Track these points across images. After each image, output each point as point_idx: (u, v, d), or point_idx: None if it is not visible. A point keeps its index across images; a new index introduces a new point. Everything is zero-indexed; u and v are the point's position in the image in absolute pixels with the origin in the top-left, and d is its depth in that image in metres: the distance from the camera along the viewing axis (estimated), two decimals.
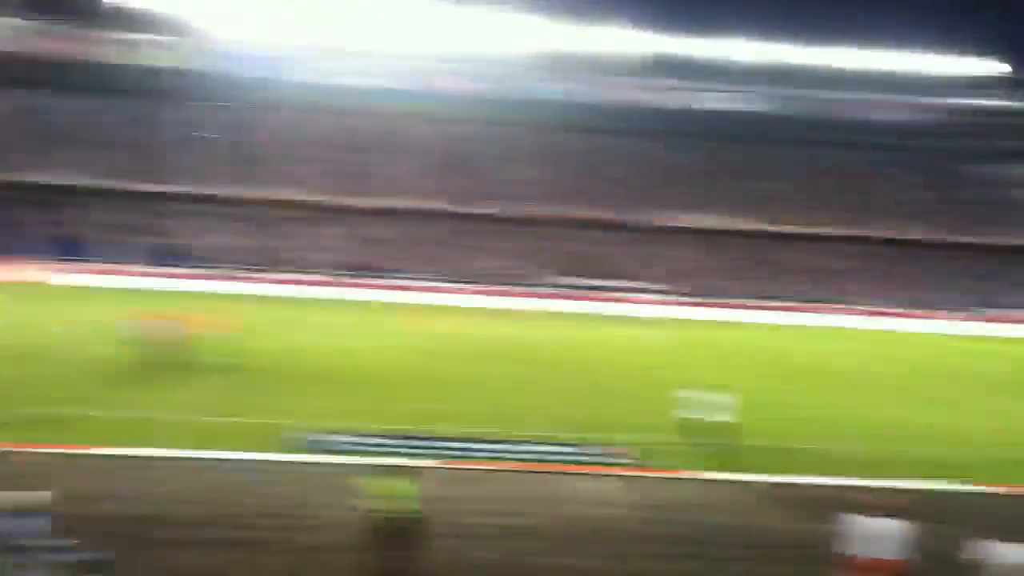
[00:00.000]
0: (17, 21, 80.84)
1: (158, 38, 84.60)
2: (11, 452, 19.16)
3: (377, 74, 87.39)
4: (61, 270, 66.81)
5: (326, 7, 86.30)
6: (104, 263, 69.69)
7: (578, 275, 75.24)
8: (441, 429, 23.15)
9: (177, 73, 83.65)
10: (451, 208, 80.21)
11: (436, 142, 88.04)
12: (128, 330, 31.17)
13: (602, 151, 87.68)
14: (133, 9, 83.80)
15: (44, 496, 12.37)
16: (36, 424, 21.63)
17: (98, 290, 60.26)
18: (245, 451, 20.14)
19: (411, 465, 18.51)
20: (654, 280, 74.88)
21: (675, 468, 21.18)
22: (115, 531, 14.73)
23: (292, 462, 19.86)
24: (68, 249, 70.43)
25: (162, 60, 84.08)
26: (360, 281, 71.63)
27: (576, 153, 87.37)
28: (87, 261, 69.64)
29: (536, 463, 20.89)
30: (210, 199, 78.02)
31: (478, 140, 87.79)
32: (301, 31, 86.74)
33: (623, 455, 21.77)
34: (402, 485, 13.73)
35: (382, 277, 73.19)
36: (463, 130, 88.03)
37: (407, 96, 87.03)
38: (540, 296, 71.18)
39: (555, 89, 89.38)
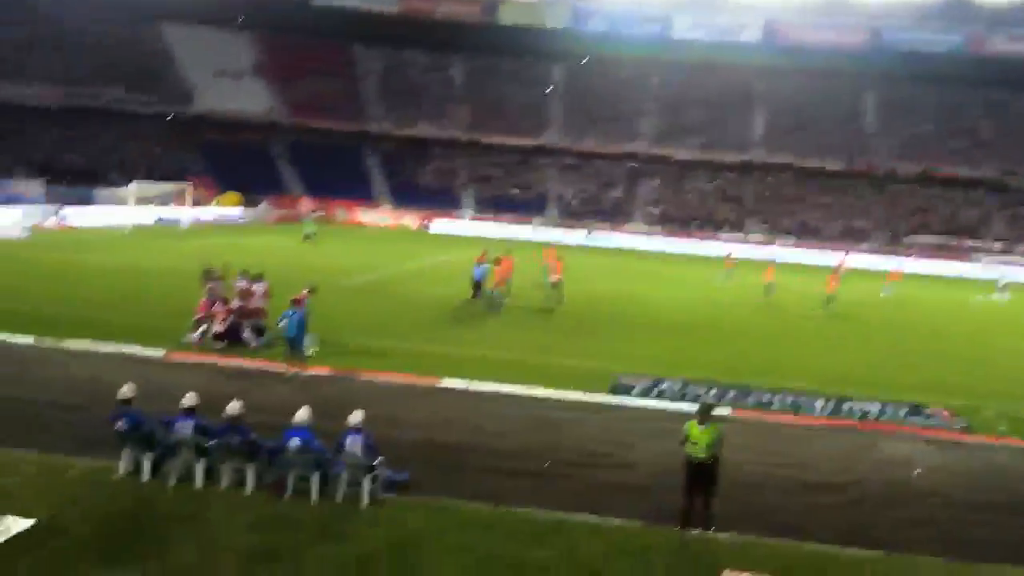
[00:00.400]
0: None
1: None
2: (345, 378, 20.88)
3: (728, 28, 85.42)
4: (429, 217, 72.03)
5: None
6: (459, 210, 74.49)
7: (932, 233, 70.68)
8: (759, 381, 22.74)
9: (527, 30, 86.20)
10: (796, 163, 77.85)
11: (783, 96, 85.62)
12: (478, 273, 33.08)
13: (962, 105, 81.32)
14: None
15: (357, 415, 13.34)
16: (378, 354, 23.44)
17: (459, 237, 63.94)
18: (569, 390, 20.69)
19: (725, 415, 18.42)
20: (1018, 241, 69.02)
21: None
22: (429, 455, 15.62)
23: (610, 404, 20.20)
24: (435, 198, 75.93)
25: (516, 18, 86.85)
26: (694, 233, 71.39)
27: (931, 107, 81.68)
28: (450, 208, 74.77)
29: (856, 421, 20.01)
30: (566, 152, 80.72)
31: (827, 93, 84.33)
32: None
33: (950, 420, 20.35)
34: (710, 431, 13.60)
35: (726, 230, 72.60)
36: (811, 84, 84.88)
37: (757, 50, 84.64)
38: (882, 254, 67.32)
39: (913, 39, 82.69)
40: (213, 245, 47.33)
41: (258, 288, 23.88)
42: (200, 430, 13.07)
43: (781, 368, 25.19)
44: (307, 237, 51.23)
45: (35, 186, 56.56)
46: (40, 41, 73.86)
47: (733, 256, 50.32)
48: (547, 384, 20.87)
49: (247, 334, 22.79)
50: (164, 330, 23.39)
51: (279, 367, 20.46)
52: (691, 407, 16.62)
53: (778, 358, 26.98)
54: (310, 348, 21.38)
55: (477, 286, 32.45)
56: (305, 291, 21.67)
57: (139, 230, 52.49)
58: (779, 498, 15.01)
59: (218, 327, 22.54)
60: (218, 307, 22.61)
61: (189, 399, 13.35)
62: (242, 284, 24.08)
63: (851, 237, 71.25)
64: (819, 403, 21.01)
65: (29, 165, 62.84)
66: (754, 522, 13.55)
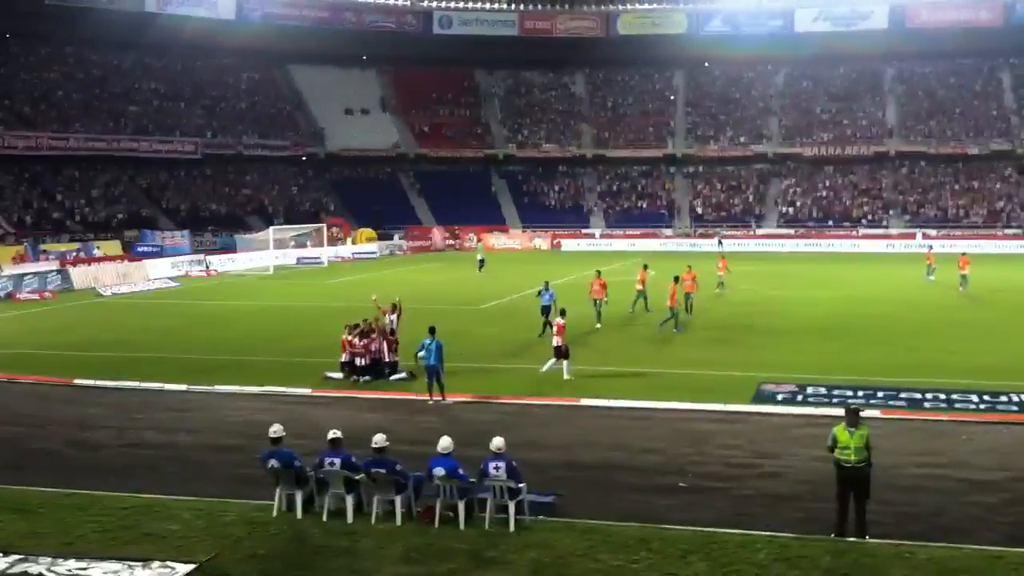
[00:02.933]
0: (503, 6, 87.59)
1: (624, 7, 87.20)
2: (485, 403, 21.04)
3: (853, 16, 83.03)
4: (559, 237, 72.33)
5: None
6: (588, 228, 74.64)
7: None
8: (909, 379, 21.98)
9: (646, 39, 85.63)
10: (933, 150, 75.31)
11: (915, 81, 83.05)
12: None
13: None
14: None
15: (499, 441, 13.39)
16: (518, 377, 23.59)
17: (590, 254, 63.98)
18: (711, 402, 20.41)
19: (873, 416, 17.85)
20: None
21: None
22: (574, 476, 15.58)
23: (755, 412, 19.82)
24: (564, 217, 76.26)
25: (634, 28, 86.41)
26: (830, 232, 69.80)
27: None
28: (580, 226, 74.99)
29: (1013, 414, 19.12)
30: (693, 159, 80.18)
31: (961, 75, 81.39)
32: None
33: None
34: (859, 435, 13.22)
35: (852, 226, 70.82)
36: (944, 66, 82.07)
37: (884, 36, 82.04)
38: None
39: None
40: (351, 282, 48.52)
41: (393, 318, 24.28)
42: (347, 464, 13.36)
43: (931, 364, 24.29)
44: (481, 264, 51.71)
45: (180, 237, 58.99)
46: (177, 95, 77.14)
47: (934, 251, 47.73)
48: (689, 397, 20.63)
49: (388, 368, 23.23)
50: (310, 367, 24.06)
51: (420, 396, 20.79)
52: (838, 411, 16.17)
53: (927, 353, 26.02)
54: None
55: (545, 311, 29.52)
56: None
57: (281, 272, 54.13)
58: (937, 499, 14.45)
59: (361, 362, 23.03)
60: (357, 343, 23.09)
61: (335, 435, 13.67)
62: (383, 317, 24.44)
63: (997, 221, 68.35)
64: (973, 397, 20.16)
65: (174, 216, 65.60)
66: (912, 526, 13.08)
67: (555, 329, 23.33)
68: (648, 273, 34.50)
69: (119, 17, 74.32)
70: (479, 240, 64.35)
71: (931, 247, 50.02)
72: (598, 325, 30.50)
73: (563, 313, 23.87)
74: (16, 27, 70.97)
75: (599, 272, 32.51)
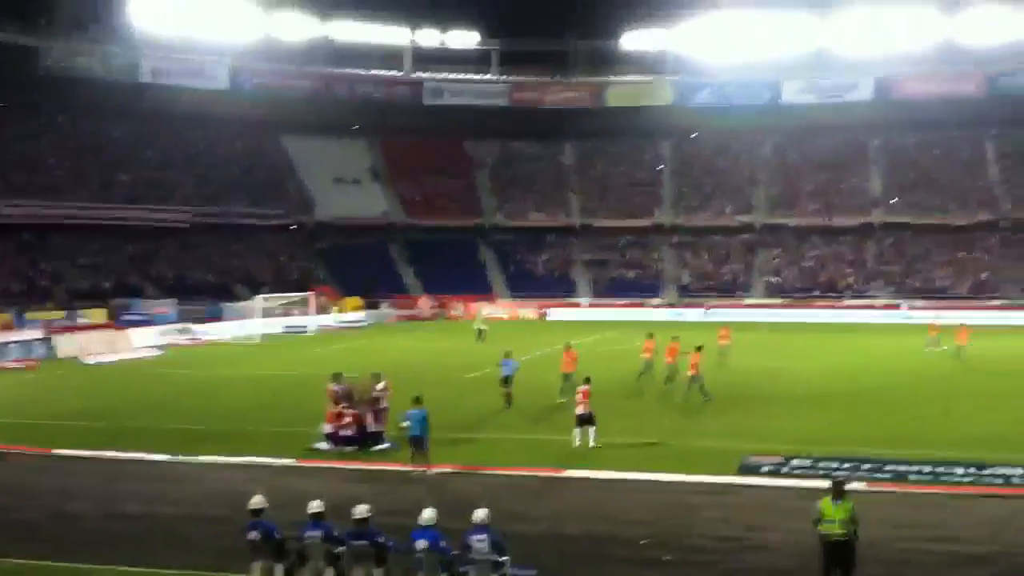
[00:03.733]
0: (493, 77, 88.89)
1: (617, 78, 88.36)
2: (470, 473, 20.96)
3: (839, 88, 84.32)
4: (546, 306, 72.45)
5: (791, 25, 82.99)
6: (575, 297, 74.93)
7: None
8: (894, 451, 21.99)
9: (634, 109, 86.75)
10: (918, 220, 76.03)
11: (900, 152, 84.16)
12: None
13: None
14: (600, 51, 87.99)
15: (482, 513, 13.25)
16: (502, 446, 23.53)
17: (577, 323, 64.11)
18: (696, 473, 20.36)
19: (858, 488, 17.78)
20: None
21: None
22: (558, 548, 15.48)
23: (741, 484, 19.77)
24: (552, 286, 76.51)
25: (623, 100, 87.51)
26: (815, 302, 70.12)
27: None
28: (567, 295, 75.23)
29: (998, 487, 19.08)
30: (680, 229, 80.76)
31: (945, 145, 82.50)
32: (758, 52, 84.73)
33: None
34: (844, 507, 13.20)
35: (837, 296, 71.21)
36: (928, 136, 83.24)
37: (869, 107, 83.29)
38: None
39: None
40: (338, 350, 48.43)
41: (379, 387, 24.17)
42: (329, 537, 13.23)
43: (917, 435, 24.31)
44: (480, 335, 51.53)
45: (167, 305, 58.91)
46: (169, 164, 77.57)
47: (937, 323, 47.68)
48: (674, 468, 20.57)
49: (371, 438, 23.13)
50: (295, 437, 23.95)
51: (405, 467, 20.68)
52: (823, 484, 16.13)
53: (912, 424, 26.05)
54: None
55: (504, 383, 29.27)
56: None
57: (267, 340, 54.02)
58: (923, 573, 14.39)
59: (347, 432, 22.94)
60: (346, 412, 23.02)
61: (316, 506, 13.54)
62: (372, 387, 24.29)
63: (982, 292, 68.73)
64: (959, 470, 20.12)
65: (162, 285, 65.57)
66: None
67: (579, 396, 23.17)
68: (655, 342, 34.47)
69: (113, 87, 75.24)
70: (478, 312, 64.10)
71: (936, 319, 49.88)
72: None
73: (588, 380, 23.76)
74: (9, 96, 71.61)
75: (569, 345, 31.78)
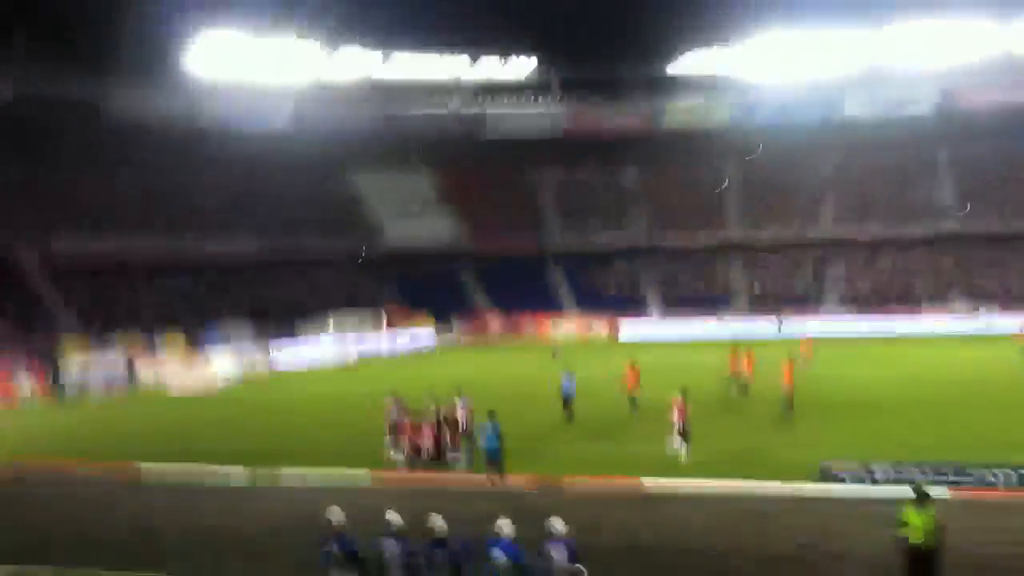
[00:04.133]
0: (552, 105, 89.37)
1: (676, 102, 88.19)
2: (546, 486, 20.99)
3: (901, 100, 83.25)
4: (617, 323, 72.26)
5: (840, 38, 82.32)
6: (646, 314, 74.66)
7: None
8: (977, 457, 21.52)
9: (694, 131, 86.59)
10: (991, 228, 74.50)
11: (968, 161, 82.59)
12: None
13: None
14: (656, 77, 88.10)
15: (558, 523, 13.21)
16: (580, 459, 23.50)
17: (648, 341, 63.85)
18: (775, 482, 20.14)
19: (937, 495, 17.46)
20: None
21: None
22: (634, 559, 15.41)
23: (820, 493, 19.52)
24: (621, 304, 76.32)
25: (680, 122, 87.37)
26: (891, 310, 68.98)
27: None
28: (637, 312, 74.96)
29: None
30: (748, 247, 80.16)
31: (1013, 153, 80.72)
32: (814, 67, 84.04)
33: None
34: (927, 514, 12.99)
35: (913, 306, 69.96)
36: (996, 145, 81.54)
37: (934, 119, 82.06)
38: None
39: None
40: (411, 370, 48.76)
41: (460, 404, 24.23)
42: (406, 549, 13.33)
43: (999, 441, 23.78)
44: (555, 353, 51.63)
45: (243, 330, 59.83)
46: (237, 205, 78.89)
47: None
48: (753, 476, 20.39)
49: (451, 453, 23.21)
50: (370, 454, 24.17)
51: (480, 480, 20.76)
52: (906, 491, 15.87)
53: (994, 431, 25.48)
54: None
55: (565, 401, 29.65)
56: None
57: (342, 361, 54.60)
58: None
59: (427, 443, 23.04)
60: (424, 425, 23.14)
61: (394, 519, 13.66)
62: (453, 405, 24.33)
63: None
64: None
65: (237, 313, 66.60)
66: None
67: (674, 409, 23.04)
68: (741, 357, 34.26)
69: (178, 130, 76.91)
70: (554, 330, 64.26)
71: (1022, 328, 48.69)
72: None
73: (683, 393, 23.59)
74: (81, 141, 73.56)
75: (634, 361, 31.58)
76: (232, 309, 66.79)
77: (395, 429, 23.55)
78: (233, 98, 79.43)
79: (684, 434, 22.73)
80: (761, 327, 66.29)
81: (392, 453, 23.43)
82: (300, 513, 18.92)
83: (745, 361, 33.18)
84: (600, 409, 30.35)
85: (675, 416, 22.98)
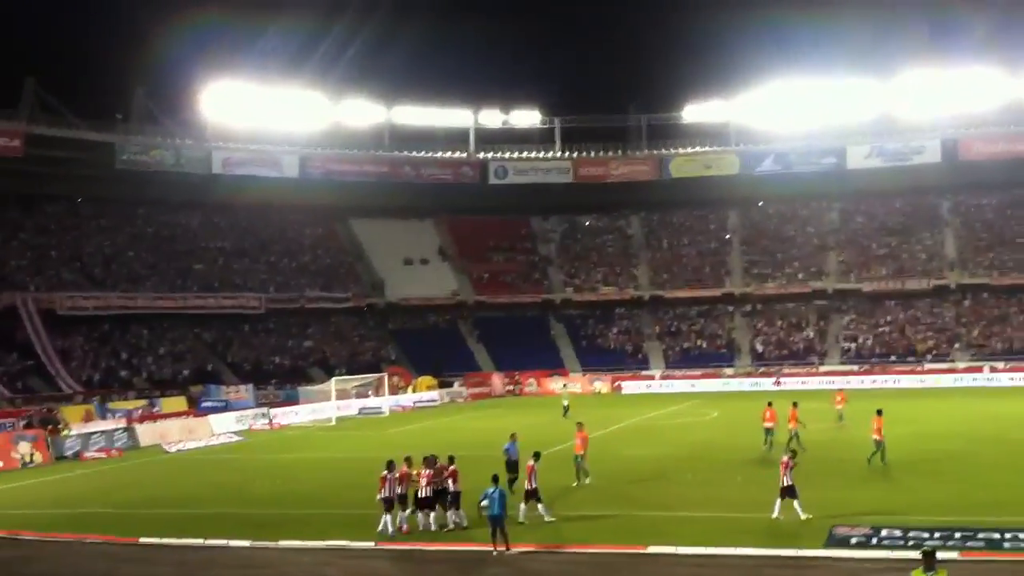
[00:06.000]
0: (557, 154, 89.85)
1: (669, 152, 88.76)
2: (551, 552, 20.74)
3: (905, 151, 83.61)
4: (620, 379, 72.13)
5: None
6: (648, 369, 74.47)
7: None
8: (987, 519, 21.27)
9: (699, 180, 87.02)
10: (995, 281, 74.56)
11: (972, 213, 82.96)
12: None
13: None
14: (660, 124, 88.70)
15: None
16: (584, 523, 23.25)
17: (651, 396, 63.70)
18: (782, 547, 19.89)
19: (951, 558, 17.24)
20: None
21: None
22: None
23: (828, 557, 19.26)
24: (624, 360, 76.19)
25: (686, 171, 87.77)
26: (893, 368, 68.71)
27: None
28: (639, 367, 74.76)
29: None
30: (751, 298, 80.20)
31: (1017, 205, 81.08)
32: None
33: None
34: None
35: (917, 361, 69.71)
36: (1000, 197, 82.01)
37: (937, 170, 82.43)
38: None
39: None
40: (412, 430, 48.54)
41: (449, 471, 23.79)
42: None
43: (1008, 501, 23.51)
44: (565, 410, 51.24)
45: (244, 391, 59.69)
46: (242, 252, 79.31)
47: None
48: (761, 542, 20.14)
49: (451, 514, 22.86)
50: (373, 519, 23.90)
51: (485, 547, 20.52)
52: (914, 554, 15.68)
53: (1002, 490, 25.17)
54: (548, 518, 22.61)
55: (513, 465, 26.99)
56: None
57: (343, 423, 54.34)
58: None
59: (422, 493, 22.70)
60: (423, 473, 22.83)
61: None
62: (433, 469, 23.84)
63: None
64: None
65: (238, 371, 66.57)
66: None
67: (782, 468, 22.42)
68: (775, 410, 34.15)
69: (186, 179, 77.55)
70: (565, 384, 64.20)
71: None
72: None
73: (791, 453, 23.03)
74: (87, 191, 74.24)
75: (581, 425, 29.79)
76: (232, 367, 66.80)
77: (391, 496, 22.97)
78: (242, 146, 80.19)
79: (791, 492, 22.09)
80: (764, 382, 66.47)
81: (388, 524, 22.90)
82: None
83: (791, 413, 33.16)
84: (617, 469, 30.16)
85: (783, 475, 22.29)
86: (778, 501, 22.29)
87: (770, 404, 34.98)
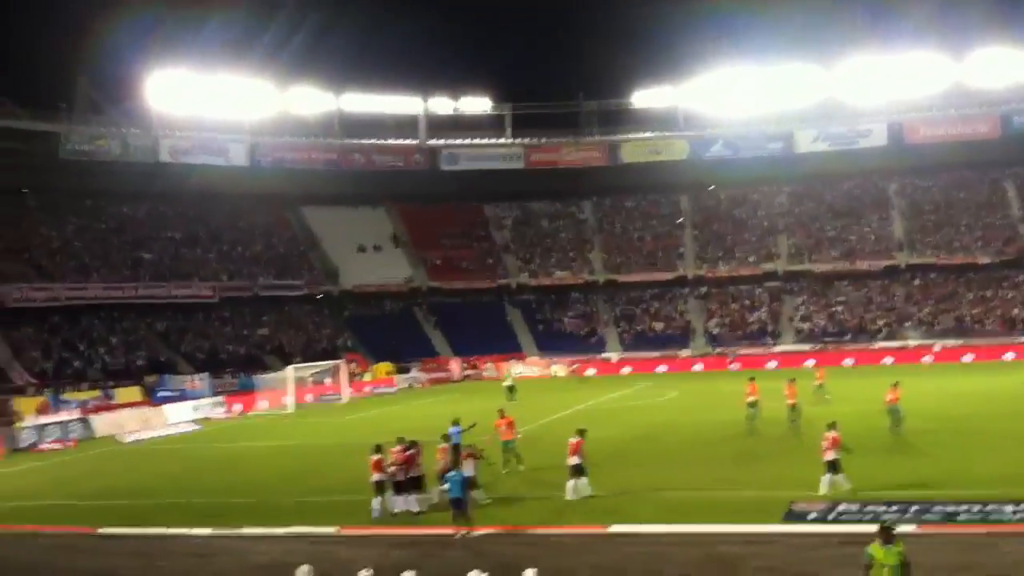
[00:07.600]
0: (508, 140, 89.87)
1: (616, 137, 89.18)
2: (514, 534, 20.87)
3: (852, 135, 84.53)
4: (577, 363, 72.32)
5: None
6: (605, 352, 74.91)
7: None
8: (942, 492, 21.66)
9: (650, 166, 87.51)
10: (943, 260, 75.77)
11: (919, 195, 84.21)
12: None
13: None
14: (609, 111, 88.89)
15: (531, 574, 13.17)
16: (546, 505, 23.37)
17: (609, 378, 64.10)
18: (742, 523, 20.14)
19: (908, 531, 17.53)
20: None
21: None
22: None
23: (787, 532, 19.53)
24: (580, 343, 76.52)
25: (637, 157, 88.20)
26: (846, 347, 69.60)
27: None
28: (596, 351, 75.12)
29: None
30: (704, 280, 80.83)
31: (964, 186, 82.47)
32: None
33: None
34: (895, 552, 13.04)
35: (869, 339, 70.74)
36: (947, 178, 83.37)
37: (884, 153, 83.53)
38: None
39: None
40: (371, 416, 48.44)
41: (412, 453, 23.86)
42: None
43: (960, 474, 23.94)
44: (510, 391, 51.11)
45: (200, 380, 59.16)
46: (193, 241, 78.47)
47: None
48: (719, 519, 20.37)
49: (411, 497, 22.91)
50: (334, 505, 23.90)
51: (448, 530, 20.57)
52: (872, 528, 15.93)
53: (955, 464, 25.63)
54: (483, 500, 22.24)
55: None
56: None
57: (300, 410, 54.11)
58: None
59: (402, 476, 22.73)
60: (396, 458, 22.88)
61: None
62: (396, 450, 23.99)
63: (1014, 328, 68.06)
64: (1008, 508, 19.78)
65: (193, 360, 65.91)
66: None
67: (827, 443, 22.33)
68: (757, 385, 34.51)
69: (133, 168, 76.38)
70: (507, 368, 64.19)
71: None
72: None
73: (833, 426, 22.97)
74: (32, 182, 72.93)
75: (502, 412, 29.81)
76: (187, 357, 66.15)
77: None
78: (189, 134, 79.20)
79: (835, 467, 22.22)
80: (715, 363, 67.18)
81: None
82: (266, 571, 18.63)
83: (790, 390, 33.46)
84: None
85: (827, 450, 22.39)
86: (828, 476, 22.23)
87: (752, 379, 35.24)
